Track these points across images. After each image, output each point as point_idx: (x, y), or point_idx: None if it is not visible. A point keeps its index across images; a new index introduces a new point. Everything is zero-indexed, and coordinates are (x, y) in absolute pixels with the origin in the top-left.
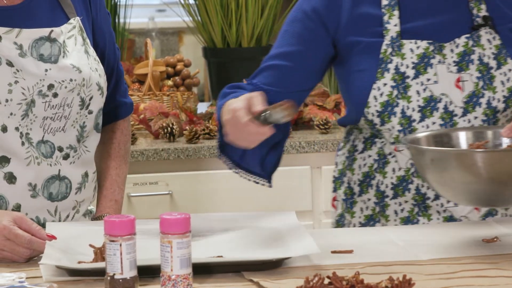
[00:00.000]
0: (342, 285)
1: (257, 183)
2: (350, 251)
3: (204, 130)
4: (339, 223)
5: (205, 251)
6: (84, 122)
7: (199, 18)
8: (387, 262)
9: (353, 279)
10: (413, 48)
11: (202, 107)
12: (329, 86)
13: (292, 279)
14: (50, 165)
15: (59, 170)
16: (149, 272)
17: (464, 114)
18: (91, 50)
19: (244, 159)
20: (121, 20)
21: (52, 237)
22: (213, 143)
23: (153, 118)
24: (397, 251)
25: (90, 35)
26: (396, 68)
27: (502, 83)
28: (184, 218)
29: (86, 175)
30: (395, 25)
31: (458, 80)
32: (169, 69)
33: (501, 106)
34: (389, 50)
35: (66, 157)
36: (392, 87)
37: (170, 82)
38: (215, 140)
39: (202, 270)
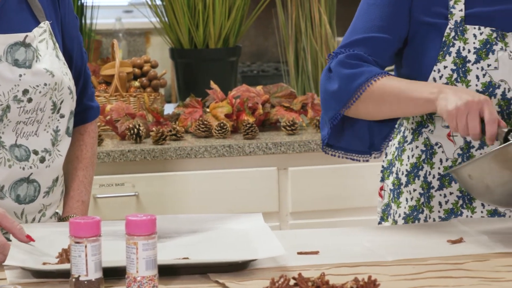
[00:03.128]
0: (307, 286)
1: (357, 160)
2: (316, 252)
3: (171, 131)
4: (385, 212)
5: (171, 252)
6: (57, 126)
7: (166, 19)
8: (353, 263)
9: (319, 280)
10: (477, 33)
11: (169, 108)
12: (296, 88)
13: (258, 281)
14: (23, 168)
15: (31, 174)
16: (114, 273)
17: None
18: (61, 54)
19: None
20: (88, 21)
21: (31, 239)
22: (180, 144)
23: (119, 119)
24: (363, 252)
25: (59, 39)
26: (458, 52)
27: None
28: (149, 220)
29: (56, 179)
30: (460, 10)
31: None
32: (136, 70)
33: None
34: (452, 34)
35: (42, 160)
36: (452, 70)
37: (136, 83)
38: (182, 141)
39: (168, 271)
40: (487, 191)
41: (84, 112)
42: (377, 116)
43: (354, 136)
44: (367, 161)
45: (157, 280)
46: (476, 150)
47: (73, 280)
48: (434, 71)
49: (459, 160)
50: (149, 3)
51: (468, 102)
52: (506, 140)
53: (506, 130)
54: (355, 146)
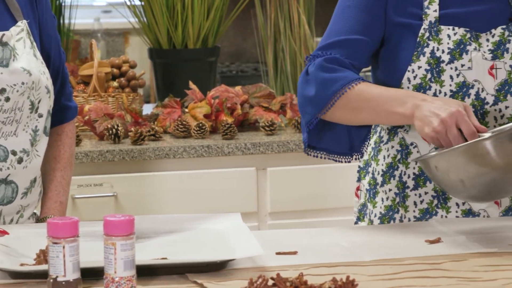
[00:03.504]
0: (286, 286)
1: (339, 161)
2: (294, 253)
3: (149, 131)
4: (361, 212)
5: (150, 253)
6: (36, 126)
7: (145, 19)
8: (331, 263)
9: (297, 280)
10: (451, 34)
11: (148, 108)
12: (275, 88)
13: (236, 281)
14: (1, 169)
15: (8, 175)
16: (92, 274)
17: (495, 103)
18: (38, 53)
19: (326, 140)
20: (66, 21)
21: (5, 233)
22: (158, 144)
23: (98, 119)
24: (341, 252)
25: (37, 38)
26: (432, 52)
27: None
28: (128, 220)
29: (34, 180)
30: (435, 11)
31: (492, 68)
32: (115, 70)
33: None
34: (427, 34)
35: (20, 161)
36: (426, 70)
37: (115, 83)
38: (160, 142)
39: (146, 272)
40: (452, 184)
41: (62, 112)
42: (354, 123)
43: (334, 138)
44: (349, 162)
45: (135, 281)
46: None
47: (51, 280)
48: (409, 71)
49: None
50: (128, 3)
51: (442, 120)
52: None
53: (487, 135)
54: (335, 148)
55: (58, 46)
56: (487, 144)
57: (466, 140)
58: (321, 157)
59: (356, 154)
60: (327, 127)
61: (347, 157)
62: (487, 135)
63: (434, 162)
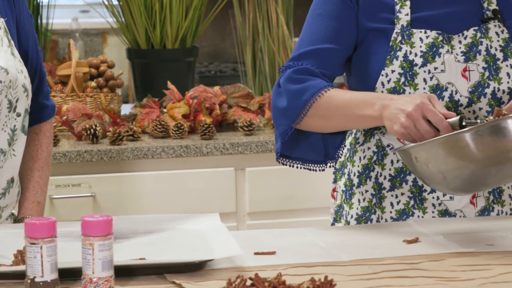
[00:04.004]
0: (264, 286)
1: (314, 170)
2: (273, 253)
3: (127, 131)
4: (338, 213)
5: (128, 253)
6: (14, 126)
7: (123, 19)
8: (309, 263)
9: (275, 280)
10: (423, 37)
11: (126, 109)
12: (253, 88)
13: (214, 281)
14: None
15: None
16: (70, 274)
17: (469, 105)
18: (16, 52)
19: (301, 149)
20: (44, 21)
21: None
22: (137, 144)
23: (76, 119)
24: (320, 252)
25: (15, 36)
26: (405, 56)
27: (508, 75)
28: (106, 220)
29: (12, 180)
30: (406, 14)
31: (465, 70)
32: (93, 70)
33: (505, 97)
34: (399, 38)
35: None
36: (400, 74)
37: (93, 83)
38: (139, 142)
39: (124, 272)
40: (431, 175)
41: (40, 111)
42: (328, 130)
43: (309, 147)
44: (323, 170)
45: (114, 281)
46: None
47: (28, 281)
48: (382, 75)
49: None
50: (106, 3)
51: (408, 114)
52: (461, 127)
53: (457, 118)
54: (310, 157)
55: (35, 45)
56: (466, 136)
57: (437, 130)
58: (296, 167)
59: (330, 161)
60: (302, 137)
61: (321, 165)
62: (455, 119)
63: (414, 153)
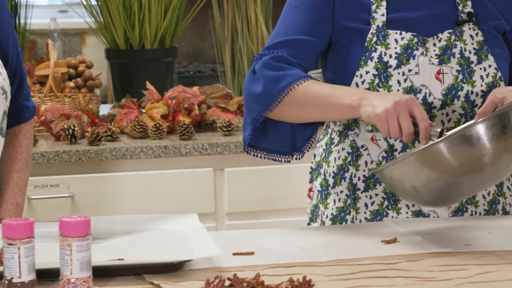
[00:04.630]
0: (242, 287)
1: (279, 161)
2: (251, 253)
3: (106, 132)
4: (314, 213)
5: (106, 253)
6: None
7: (101, 19)
8: (288, 263)
9: (254, 280)
10: (398, 38)
11: (105, 109)
12: (232, 88)
13: (193, 281)
14: None
15: None
16: (48, 275)
17: (442, 107)
18: None
19: (269, 139)
20: (22, 21)
21: None
22: (115, 145)
23: (54, 120)
24: (298, 252)
25: None
26: (380, 57)
27: (482, 78)
28: (84, 221)
29: None
30: (382, 15)
31: (439, 72)
32: (71, 70)
33: (479, 100)
34: (374, 39)
35: None
36: (374, 75)
37: (71, 84)
38: (117, 142)
39: (102, 273)
40: (407, 192)
41: (20, 112)
42: (299, 120)
43: (276, 138)
44: (289, 162)
45: (92, 282)
46: (399, 153)
47: (6, 282)
48: (357, 76)
49: (383, 162)
50: (84, 3)
51: (396, 102)
52: (441, 137)
53: (439, 130)
54: (277, 147)
55: (16, 45)
56: (436, 148)
57: (416, 126)
58: (260, 157)
59: (297, 153)
60: (271, 126)
61: (287, 156)
62: (438, 129)
63: (388, 173)
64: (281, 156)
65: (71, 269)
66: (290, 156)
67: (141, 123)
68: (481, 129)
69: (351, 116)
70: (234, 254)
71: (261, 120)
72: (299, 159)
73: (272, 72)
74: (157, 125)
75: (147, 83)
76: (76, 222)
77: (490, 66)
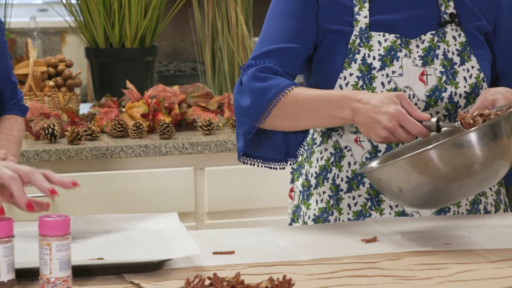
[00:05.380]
0: (222, 286)
1: (274, 168)
2: (232, 252)
3: (86, 131)
4: (295, 213)
5: (86, 253)
6: None
7: (81, 18)
8: (268, 262)
9: (234, 279)
10: (381, 40)
11: (85, 108)
12: (213, 88)
13: (173, 281)
14: None
15: None
16: (28, 275)
17: (426, 108)
18: None
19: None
20: (1, 20)
21: (75, 184)
22: (95, 144)
23: (34, 119)
24: (278, 251)
25: None
26: (363, 59)
27: (465, 79)
28: (63, 220)
29: None
30: (365, 17)
31: (422, 74)
32: (51, 69)
33: (462, 101)
34: (358, 41)
35: None
36: (358, 77)
37: (51, 83)
38: (97, 141)
39: (82, 272)
40: (394, 193)
41: (12, 109)
42: (294, 129)
43: (270, 146)
44: (283, 168)
45: (71, 281)
46: (382, 154)
47: None
48: (340, 78)
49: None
50: (64, 2)
51: (385, 127)
52: (438, 129)
53: (435, 120)
54: (271, 155)
55: (6, 52)
56: (426, 155)
57: (414, 136)
58: (258, 166)
59: (291, 159)
60: (263, 135)
61: (282, 163)
62: (432, 121)
63: (376, 174)
64: (276, 164)
65: (50, 268)
66: (284, 163)
67: (121, 122)
68: (473, 138)
69: (345, 124)
70: (214, 253)
71: (253, 132)
72: (294, 164)
73: (258, 83)
74: (137, 124)
75: (127, 82)
76: (56, 222)
77: (473, 67)
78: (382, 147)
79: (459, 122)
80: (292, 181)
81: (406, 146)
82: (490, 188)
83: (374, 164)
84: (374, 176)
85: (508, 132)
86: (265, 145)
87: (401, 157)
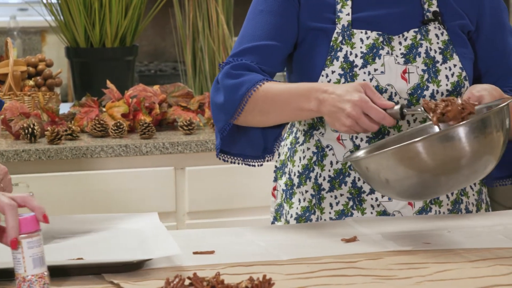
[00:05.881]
0: (202, 286)
1: (253, 165)
2: (212, 252)
3: (66, 131)
4: (278, 212)
5: (65, 253)
6: None
7: (61, 17)
8: (248, 262)
9: (214, 279)
10: (363, 38)
11: (65, 108)
12: (193, 87)
13: (153, 281)
14: None
15: None
16: (5, 275)
17: (408, 106)
18: None
19: (239, 145)
20: None
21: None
22: (75, 144)
23: (13, 118)
24: (258, 251)
25: None
26: (345, 57)
27: (447, 77)
28: (31, 217)
29: None
30: (347, 14)
31: (404, 72)
32: (31, 69)
33: None
34: (340, 38)
35: None
36: (340, 75)
37: (31, 82)
38: (77, 141)
39: (62, 272)
40: (381, 183)
41: None
42: (267, 124)
43: (248, 143)
44: (261, 165)
45: (48, 277)
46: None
47: None
48: (322, 75)
49: (349, 163)
50: (44, 1)
51: (349, 115)
52: (402, 116)
53: (398, 108)
54: (249, 152)
55: None
56: (416, 147)
57: (379, 124)
58: (237, 163)
59: (268, 156)
60: (241, 132)
61: (260, 160)
62: (396, 108)
63: (365, 163)
64: (254, 161)
65: (24, 266)
66: (262, 160)
67: (101, 122)
68: (461, 132)
69: (314, 116)
70: (194, 253)
71: (228, 128)
72: (271, 160)
73: (231, 80)
74: (118, 124)
75: (108, 81)
76: (24, 219)
77: (455, 65)
78: (364, 145)
79: (422, 108)
80: (276, 180)
81: (391, 139)
82: (471, 188)
83: (361, 153)
84: (362, 165)
85: (498, 128)
86: (243, 141)
87: (391, 147)
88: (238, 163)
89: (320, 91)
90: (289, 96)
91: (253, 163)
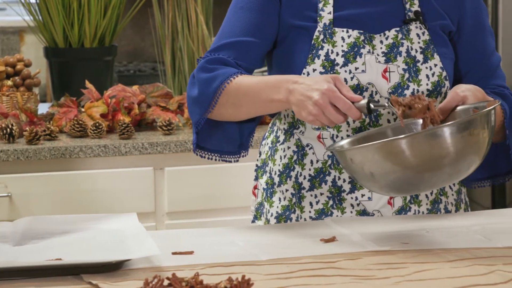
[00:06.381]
0: (181, 286)
1: (229, 161)
2: (191, 252)
3: (45, 131)
4: (258, 211)
5: (44, 253)
6: None
7: (40, 17)
8: (227, 262)
9: (193, 280)
10: (345, 36)
11: (43, 108)
12: (173, 87)
13: (132, 281)
14: None
15: None
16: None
17: (375, 101)
18: None
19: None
20: None
21: None
22: (54, 144)
23: None
24: (238, 251)
25: None
26: (327, 55)
27: (427, 76)
28: None
29: None
30: (329, 13)
31: (385, 71)
32: (9, 69)
33: None
34: (321, 37)
35: None
36: (321, 73)
37: (9, 82)
38: (56, 141)
39: (40, 273)
40: (365, 177)
41: None
42: (240, 117)
43: (224, 138)
44: (237, 161)
45: None
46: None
47: None
48: (304, 74)
49: (329, 162)
50: (23, 1)
51: (316, 103)
52: (369, 110)
53: (365, 102)
54: (225, 148)
55: None
56: (403, 143)
57: (346, 116)
58: (214, 159)
59: (243, 151)
60: (217, 127)
61: (235, 156)
62: (362, 102)
63: (350, 155)
64: (230, 156)
65: None
66: (237, 155)
67: (80, 122)
68: (448, 131)
69: (284, 108)
70: (173, 253)
71: (203, 122)
72: (246, 156)
73: (205, 74)
74: (97, 124)
75: (87, 82)
76: None
77: (435, 65)
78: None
79: (389, 102)
80: (256, 179)
81: (373, 131)
82: (450, 188)
83: (345, 143)
84: (346, 157)
85: (484, 129)
86: (220, 137)
87: (378, 141)
88: (215, 159)
89: (291, 82)
90: (260, 88)
91: (229, 159)
